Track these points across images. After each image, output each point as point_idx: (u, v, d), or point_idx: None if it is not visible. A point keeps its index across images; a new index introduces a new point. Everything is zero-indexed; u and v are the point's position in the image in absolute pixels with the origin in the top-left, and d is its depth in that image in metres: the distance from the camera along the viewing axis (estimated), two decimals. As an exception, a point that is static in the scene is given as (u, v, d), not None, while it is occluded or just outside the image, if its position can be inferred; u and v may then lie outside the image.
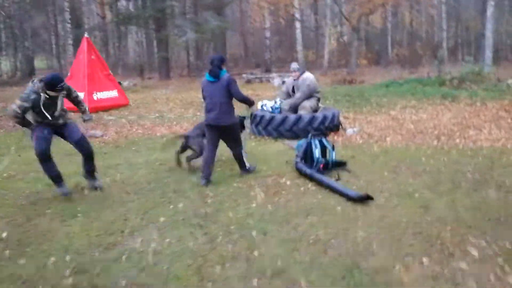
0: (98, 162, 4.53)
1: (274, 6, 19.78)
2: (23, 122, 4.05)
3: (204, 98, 4.68)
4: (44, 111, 3.96)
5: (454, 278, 2.62)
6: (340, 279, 2.64)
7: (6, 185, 4.67)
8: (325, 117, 6.56)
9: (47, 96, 3.94)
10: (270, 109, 6.92)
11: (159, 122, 8.44)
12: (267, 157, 5.48)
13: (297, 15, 19.81)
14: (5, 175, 5.03)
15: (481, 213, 3.52)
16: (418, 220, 3.43)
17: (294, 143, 5.65)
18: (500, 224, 3.32)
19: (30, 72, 20.46)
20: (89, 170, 4.39)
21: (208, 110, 4.57)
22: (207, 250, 3.03)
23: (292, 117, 6.50)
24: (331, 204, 3.83)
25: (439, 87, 11.64)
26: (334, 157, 4.91)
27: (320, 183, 4.31)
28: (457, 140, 6.08)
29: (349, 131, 6.87)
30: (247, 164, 4.82)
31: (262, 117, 6.62)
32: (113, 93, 10.44)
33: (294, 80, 6.99)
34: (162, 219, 3.59)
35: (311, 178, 4.47)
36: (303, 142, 5.06)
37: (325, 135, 5.76)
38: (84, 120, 4.48)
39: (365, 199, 3.82)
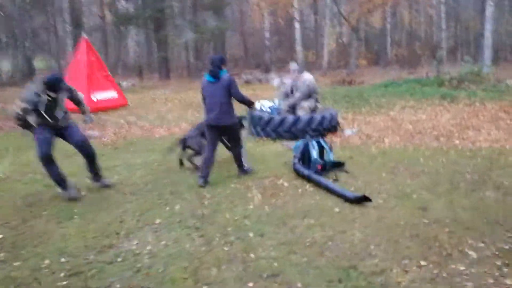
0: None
1: (274, 7, 19.76)
2: (25, 124, 4.04)
3: (203, 98, 4.67)
4: (45, 113, 3.94)
5: (452, 280, 2.61)
6: (337, 281, 2.62)
7: (2, 186, 4.66)
8: (323, 118, 6.54)
9: (48, 97, 3.92)
10: (269, 110, 6.90)
11: (157, 123, 8.41)
12: (265, 158, 5.46)
13: (296, 16, 19.79)
14: (1, 176, 5.01)
15: (479, 214, 3.50)
16: (416, 221, 3.41)
17: (293, 144, 5.63)
18: (498, 225, 3.30)
19: (30, 73, 20.41)
20: (95, 172, 4.41)
21: (208, 110, 4.57)
22: (203, 252, 3.02)
23: (290, 118, 6.49)
24: (328, 205, 3.81)
25: (438, 88, 11.61)
26: (332, 158, 4.89)
27: (317, 184, 4.30)
28: (456, 141, 6.06)
29: (348, 131, 6.85)
30: (246, 165, 4.81)
31: (260, 118, 6.60)
32: (112, 94, 10.43)
33: (293, 80, 6.97)
34: (158, 220, 3.57)
35: (308, 179, 4.45)
36: (300, 143, 5.04)
37: (323, 136, 5.74)
38: (85, 121, 4.46)
39: (362, 200, 3.80)
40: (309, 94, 6.84)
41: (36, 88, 3.91)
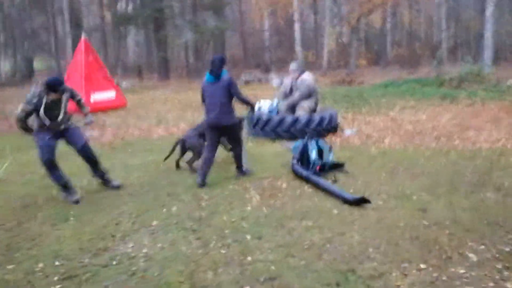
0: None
1: (274, 7, 19.72)
2: (26, 127, 4.03)
3: (203, 99, 4.64)
4: (45, 114, 3.91)
5: (452, 284, 2.57)
6: (335, 285, 2.57)
7: (-1, 187, 4.62)
8: (322, 118, 6.50)
9: (49, 99, 3.90)
10: (268, 110, 6.85)
11: (156, 123, 8.37)
12: (264, 159, 5.42)
13: (296, 16, 19.75)
14: (1, 176, 4.96)
15: (480, 216, 3.46)
16: (416, 223, 3.36)
17: (292, 145, 5.59)
18: (499, 227, 3.26)
19: (30, 73, 20.44)
20: (101, 175, 4.40)
21: (208, 111, 4.54)
22: (199, 255, 2.97)
23: (289, 118, 6.44)
24: (327, 207, 3.76)
25: (438, 88, 11.58)
26: (331, 159, 4.85)
27: (316, 186, 4.25)
28: (456, 141, 6.01)
29: (347, 132, 6.81)
30: (244, 166, 4.77)
31: (259, 118, 6.56)
32: (111, 94, 10.39)
33: (293, 80, 6.92)
34: (155, 222, 3.53)
35: (307, 180, 4.41)
36: (299, 143, 5.00)
37: (322, 136, 5.71)
38: (86, 123, 4.42)
39: (361, 202, 3.75)
40: (309, 94, 6.80)
41: (38, 90, 3.90)
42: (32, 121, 4.01)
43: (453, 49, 22.92)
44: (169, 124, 8.26)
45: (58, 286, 2.62)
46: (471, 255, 2.87)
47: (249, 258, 2.90)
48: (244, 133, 5.34)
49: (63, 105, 4.04)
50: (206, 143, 4.74)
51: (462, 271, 2.69)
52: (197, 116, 8.85)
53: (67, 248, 3.10)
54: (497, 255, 2.86)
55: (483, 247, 2.96)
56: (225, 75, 4.48)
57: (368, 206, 3.71)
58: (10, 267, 2.87)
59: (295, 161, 4.78)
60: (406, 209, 3.64)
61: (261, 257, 2.92)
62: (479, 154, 5.30)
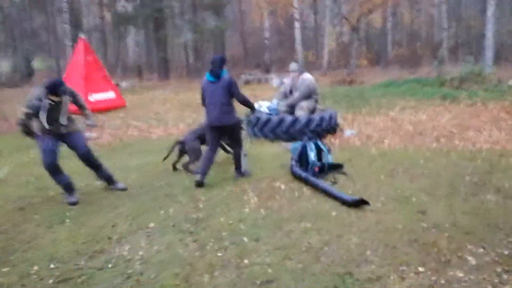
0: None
1: (274, 7, 19.68)
2: (28, 131, 4.02)
3: (202, 99, 4.61)
4: (47, 117, 3.89)
5: (450, 287, 2.53)
6: (332, 288, 2.55)
7: (-5, 189, 4.59)
8: (322, 119, 6.46)
9: (50, 102, 3.88)
10: (267, 110, 6.82)
11: (155, 124, 8.35)
12: (262, 160, 5.39)
13: (296, 15, 19.71)
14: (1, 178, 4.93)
15: (479, 218, 3.43)
16: (415, 226, 3.33)
17: (291, 145, 5.56)
18: (499, 230, 3.23)
19: (29, 73, 20.40)
20: (106, 177, 4.39)
21: (208, 111, 4.52)
22: (196, 257, 2.95)
23: (288, 119, 6.41)
24: (325, 209, 3.73)
25: (439, 88, 11.52)
26: (330, 160, 4.82)
27: (315, 187, 4.22)
28: (457, 142, 5.97)
29: (347, 132, 6.78)
30: (243, 168, 4.74)
31: (258, 118, 6.53)
32: (110, 94, 10.36)
33: (293, 80, 6.89)
34: (151, 224, 3.50)
35: (306, 182, 4.38)
36: (298, 144, 4.97)
37: (321, 137, 5.68)
38: (87, 126, 4.39)
39: (360, 203, 3.72)
40: (309, 95, 6.76)
41: (38, 93, 3.88)
42: (35, 125, 3.99)
43: (454, 49, 22.86)
44: (168, 124, 8.24)
45: (53, 289, 2.60)
46: (470, 258, 2.84)
47: (246, 261, 2.87)
48: (244, 134, 5.32)
49: (64, 107, 4.02)
50: (206, 145, 4.72)
51: (461, 274, 2.66)
52: (196, 116, 8.83)
53: (62, 251, 3.07)
54: (497, 258, 2.82)
55: (482, 250, 2.93)
56: (226, 75, 4.46)
57: (366, 208, 3.68)
58: (5, 270, 2.85)
59: (293, 162, 4.75)
60: (405, 211, 3.61)
61: (258, 259, 2.89)
62: (479, 155, 5.26)
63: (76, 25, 19.76)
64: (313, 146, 4.79)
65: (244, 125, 5.17)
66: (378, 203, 3.82)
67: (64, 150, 4.20)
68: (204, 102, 4.63)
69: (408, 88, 11.59)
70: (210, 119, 4.53)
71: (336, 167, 4.81)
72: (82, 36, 10.70)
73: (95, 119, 4.70)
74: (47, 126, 3.93)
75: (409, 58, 20.82)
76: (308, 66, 19.81)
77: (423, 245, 3.03)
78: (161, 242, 3.18)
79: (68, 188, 4.08)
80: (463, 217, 3.46)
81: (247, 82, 16.72)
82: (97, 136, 7.18)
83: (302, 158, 4.77)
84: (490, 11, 15.33)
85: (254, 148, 5.93)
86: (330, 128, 6.60)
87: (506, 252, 2.90)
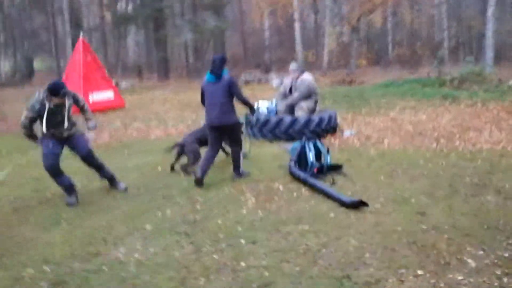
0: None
1: (274, 7, 19.64)
2: (30, 134, 4.01)
3: (202, 99, 4.59)
4: (49, 120, 3.87)
5: (450, 291, 2.50)
6: (329, 292, 2.51)
7: (-9, 190, 4.56)
8: (321, 119, 6.42)
9: (52, 106, 3.85)
10: (266, 111, 6.79)
11: (154, 124, 8.32)
12: (261, 161, 5.36)
13: (296, 15, 19.67)
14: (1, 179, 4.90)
15: (479, 220, 3.39)
16: (414, 227, 3.29)
17: (289, 146, 5.53)
18: (499, 232, 3.18)
19: (29, 73, 20.40)
20: (108, 177, 4.37)
21: (208, 111, 4.50)
22: (192, 260, 2.91)
23: (287, 119, 6.37)
24: (323, 210, 3.69)
25: (439, 88, 11.48)
26: (329, 161, 4.78)
27: (313, 188, 4.18)
28: (457, 143, 5.93)
29: (347, 133, 6.74)
30: (241, 168, 4.71)
31: (257, 119, 6.49)
32: (109, 94, 10.33)
33: (293, 80, 6.85)
34: (148, 226, 3.46)
35: (304, 183, 4.34)
36: (297, 145, 4.93)
37: (320, 138, 5.63)
38: (89, 128, 4.36)
39: (359, 205, 3.68)
40: (309, 95, 6.73)
41: (40, 96, 3.86)
42: (37, 128, 3.97)
43: (454, 49, 22.81)
44: (167, 125, 8.21)
45: (46, 292, 2.57)
46: (469, 260, 2.80)
47: (242, 264, 2.84)
48: (244, 134, 5.29)
49: (66, 111, 3.99)
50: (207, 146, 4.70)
51: (460, 277, 2.62)
52: (196, 116, 8.80)
53: (57, 253, 3.04)
54: (496, 261, 2.78)
55: (482, 252, 2.89)
56: (226, 74, 4.43)
57: (365, 210, 3.64)
58: (-2, 273, 2.82)
59: (292, 163, 4.72)
60: (404, 213, 3.57)
61: (255, 262, 2.86)
62: (480, 156, 5.22)
63: (77, 25, 19.74)
64: (312, 146, 4.75)
65: (243, 126, 5.14)
66: (377, 204, 3.78)
67: (64, 150, 4.18)
68: (204, 103, 4.60)
69: (408, 88, 11.55)
70: (210, 119, 4.51)
71: (335, 168, 4.77)
72: (81, 35, 10.67)
73: (96, 121, 4.67)
74: (45, 130, 3.91)
75: (410, 58, 20.76)
76: (308, 66, 19.74)
77: (422, 247, 2.99)
78: (157, 244, 3.15)
79: (69, 189, 4.06)
80: (462, 218, 3.42)
81: (247, 82, 16.68)
82: (94, 137, 7.13)
83: (301, 159, 4.74)
84: (490, 10, 15.28)
85: (253, 149, 5.90)
86: (329, 128, 6.57)
87: (506, 255, 2.86)
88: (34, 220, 3.66)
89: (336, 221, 3.47)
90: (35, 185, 4.63)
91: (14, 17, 21.36)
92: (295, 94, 6.73)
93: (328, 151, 4.84)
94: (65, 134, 4.04)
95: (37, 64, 23.17)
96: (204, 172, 4.45)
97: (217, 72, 4.39)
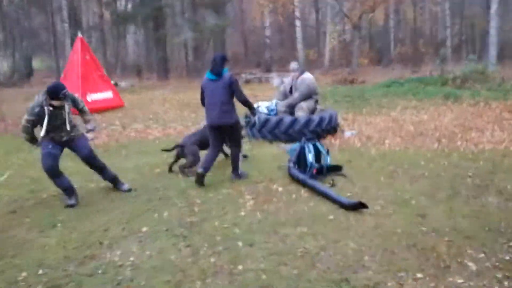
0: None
1: (274, 4, 19.55)
2: (31, 138, 3.99)
3: (202, 99, 4.54)
4: (50, 124, 3.84)
5: (450, 295, 2.45)
6: (327, 296, 2.46)
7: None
8: (321, 119, 6.36)
9: (52, 107, 3.82)
10: (266, 111, 6.74)
11: (153, 124, 8.27)
12: (260, 161, 5.31)
13: (297, 13, 19.59)
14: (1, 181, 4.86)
15: (480, 222, 3.34)
16: (414, 230, 3.25)
17: (289, 147, 5.47)
18: (500, 234, 3.14)
19: (28, 73, 20.37)
20: (110, 178, 4.34)
21: (208, 110, 4.45)
22: (188, 263, 2.87)
23: (287, 119, 6.31)
24: (322, 212, 3.65)
25: (442, 87, 11.40)
26: (329, 162, 4.73)
27: (313, 190, 4.14)
28: (458, 143, 5.87)
29: (347, 133, 6.68)
30: (240, 170, 4.67)
31: (256, 119, 6.42)
32: (108, 94, 10.28)
33: (293, 79, 6.79)
34: (144, 229, 3.42)
35: (304, 184, 4.29)
36: (296, 146, 4.88)
37: (319, 138, 5.59)
38: (88, 130, 4.32)
39: (358, 207, 3.64)
40: (309, 95, 6.67)
41: (40, 99, 3.83)
42: (38, 131, 3.94)
43: (457, 47, 22.69)
44: (166, 125, 8.16)
45: (40, 297, 2.53)
46: (470, 263, 2.75)
47: (239, 267, 2.80)
48: (244, 134, 5.24)
49: (67, 115, 3.96)
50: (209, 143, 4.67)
51: (460, 280, 2.58)
52: (196, 116, 8.76)
53: (52, 257, 3.00)
54: (497, 264, 2.74)
55: (483, 255, 2.85)
56: (227, 73, 4.38)
57: (365, 211, 3.60)
58: (-8, 276, 2.78)
59: (291, 164, 4.67)
60: (404, 215, 3.53)
61: (252, 266, 2.82)
62: (482, 156, 5.17)
63: (75, 24, 19.71)
64: (311, 147, 4.70)
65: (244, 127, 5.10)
66: (377, 206, 3.73)
67: (65, 152, 4.15)
68: (203, 102, 4.55)
69: (410, 88, 11.47)
70: (210, 119, 4.46)
71: (335, 169, 4.72)
72: (79, 34, 10.62)
73: (95, 123, 4.63)
74: (43, 134, 3.88)
75: (412, 57, 20.66)
76: (309, 65, 19.71)
77: (422, 250, 2.95)
78: (153, 247, 3.11)
79: (68, 190, 4.03)
80: (463, 220, 3.38)
81: (247, 81, 16.63)
82: (92, 137, 7.09)
83: (300, 160, 4.69)
84: (494, 8, 15.18)
85: (252, 149, 5.86)
86: (330, 128, 6.51)
87: (507, 257, 2.81)
88: (30, 222, 3.62)
89: (335, 223, 3.43)
90: (32, 186, 4.59)
91: (12, 16, 21.32)
92: (295, 94, 6.67)
93: (327, 152, 4.79)
94: (65, 137, 4.02)
95: (36, 63, 23.14)
96: (206, 169, 4.43)
97: (217, 70, 4.34)
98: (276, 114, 6.62)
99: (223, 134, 4.57)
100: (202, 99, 4.55)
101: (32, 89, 14.36)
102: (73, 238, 3.29)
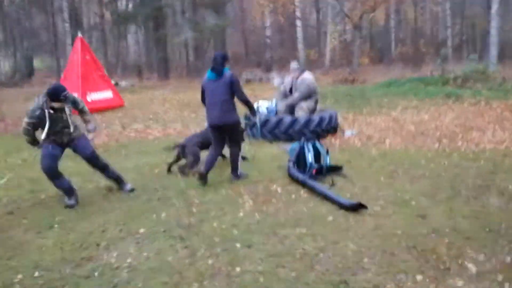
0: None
1: (274, 4, 19.51)
2: (33, 141, 3.98)
3: (202, 98, 4.52)
4: (51, 126, 3.82)
5: (450, 298, 2.42)
6: (325, 299, 2.44)
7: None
8: (321, 119, 6.34)
9: (52, 109, 3.80)
10: (266, 111, 6.71)
11: (152, 124, 8.25)
12: (260, 162, 5.28)
13: (298, 13, 19.56)
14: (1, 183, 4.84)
15: (481, 223, 3.30)
16: (414, 231, 3.21)
17: (289, 147, 5.45)
18: (501, 235, 3.10)
19: (29, 73, 20.39)
20: (114, 178, 4.32)
21: (209, 110, 4.43)
22: (186, 265, 2.84)
23: (287, 119, 6.29)
24: (322, 213, 3.62)
25: (442, 86, 11.36)
26: (328, 162, 4.70)
27: (312, 190, 4.11)
28: (459, 143, 5.84)
29: (347, 133, 6.65)
30: (240, 170, 4.64)
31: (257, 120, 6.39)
32: (108, 94, 10.26)
33: (293, 79, 6.77)
34: (142, 230, 3.40)
35: (303, 185, 4.27)
36: (296, 146, 4.86)
37: (319, 138, 5.55)
38: (88, 131, 4.30)
39: (358, 207, 3.61)
40: (309, 95, 6.64)
41: (40, 101, 3.81)
42: (39, 133, 3.93)
43: (458, 46, 22.63)
44: (166, 125, 8.14)
45: (36, 299, 2.51)
46: (470, 265, 2.72)
47: (237, 269, 2.77)
48: (243, 135, 5.21)
49: (68, 117, 3.93)
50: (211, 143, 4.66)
51: (460, 283, 2.55)
52: (195, 117, 8.74)
53: (48, 258, 2.98)
54: (498, 266, 2.71)
55: (483, 257, 2.81)
56: (227, 72, 4.35)
57: (364, 212, 3.57)
58: (-12, 278, 2.76)
59: (291, 164, 4.64)
60: (404, 216, 3.49)
61: (250, 267, 2.79)
62: (482, 156, 5.13)
63: (76, 24, 19.70)
64: (311, 147, 4.67)
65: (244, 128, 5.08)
66: (376, 206, 3.70)
67: (65, 153, 4.13)
68: (204, 101, 4.52)
69: (410, 87, 11.44)
70: (210, 119, 4.44)
71: (335, 169, 4.69)
72: (79, 34, 10.60)
73: (96, 123, 4.61)
74: (43, 137, 3.86)
75: (413, 56, 20.61)
76: (310, 65, 19.65)
77: (422, 251, 2.91)
78: (151, 248, 3.08)
79: (68, 191, 4.01)
80: (464, 221, 3.34)
81: (248, 81, 16.60)
82: (92, 137, 7.08)
83: (299, 160, 4.66)
84: (494, 8, 15.13)
85: (251, 150, 5.83)
86: (330, 128, 6.48)
87: (508, 259, 2.78)
88: (27, 223, 3.60)
89: (334, 224, 3.40)
90: (30, 186, 4.57)
91: (13, 16, 21.33)
92: (295, 94, 6.65)
93: (327, 152, 4.76)
94: (66, 139, 3.99)
95: (37, 63, 23.14)
96: (208, 169, 4.41)
97: (218, 69, 4.31)
98: (276, 114, 6.59)
99: (224, 134, 4.55)
100: (203, 98, 4.53)
101: (33, 89, 14.36)
102: (70, 239, 3.27)
